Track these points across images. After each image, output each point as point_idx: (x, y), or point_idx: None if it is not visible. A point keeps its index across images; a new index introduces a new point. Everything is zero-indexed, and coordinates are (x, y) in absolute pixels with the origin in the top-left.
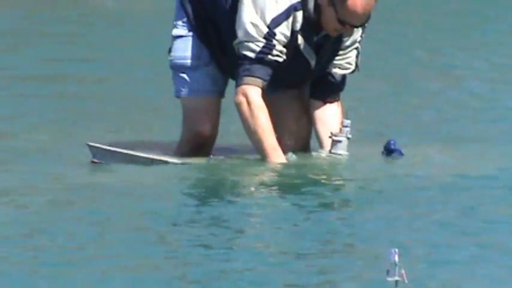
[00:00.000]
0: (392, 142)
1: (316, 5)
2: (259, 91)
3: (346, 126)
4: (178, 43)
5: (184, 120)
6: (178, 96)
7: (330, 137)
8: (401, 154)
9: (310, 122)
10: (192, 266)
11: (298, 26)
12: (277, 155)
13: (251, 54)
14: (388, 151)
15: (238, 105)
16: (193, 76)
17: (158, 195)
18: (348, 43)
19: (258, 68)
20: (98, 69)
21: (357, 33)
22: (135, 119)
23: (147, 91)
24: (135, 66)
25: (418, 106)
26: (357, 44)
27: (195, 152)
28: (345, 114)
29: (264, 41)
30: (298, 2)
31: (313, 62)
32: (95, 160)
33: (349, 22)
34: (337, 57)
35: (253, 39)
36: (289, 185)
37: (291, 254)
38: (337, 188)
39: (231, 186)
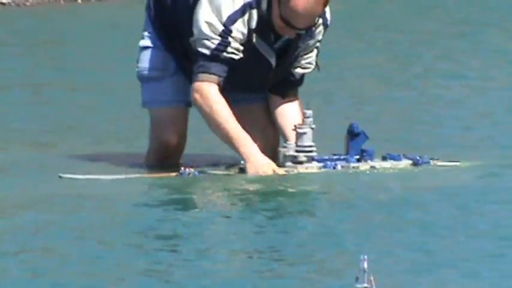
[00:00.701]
0: (355, 125)
1: (269, 4)
2: (215, 87)
3: (308, 117)
4: (144, 54)
5: (151, 130)
6: (145, 107)
7: (294, 129)
8: (366, 137)
9: (277, 132)
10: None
11: (253, 24)
12: (245, 138)
13: (206, 51)
14: (352, 135)
15: (195, 102)
16: (159, 87)
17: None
18: (310, 43)
19: (213, 65)
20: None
21: (319, 35)
22: (106, 129)
23: (117, 101)
24: (110, 75)
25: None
26: (317, 44)
27: (162, 162)
28: (307, 105)
29: (219, 38)
30: (254, 0)
31: (273, 61)
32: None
33: (291, 21)
34: (299, 58)
35: (207, 37)
36: (252, 197)
37: (259, 263)
38: (315, 199)
39: (197, 199)
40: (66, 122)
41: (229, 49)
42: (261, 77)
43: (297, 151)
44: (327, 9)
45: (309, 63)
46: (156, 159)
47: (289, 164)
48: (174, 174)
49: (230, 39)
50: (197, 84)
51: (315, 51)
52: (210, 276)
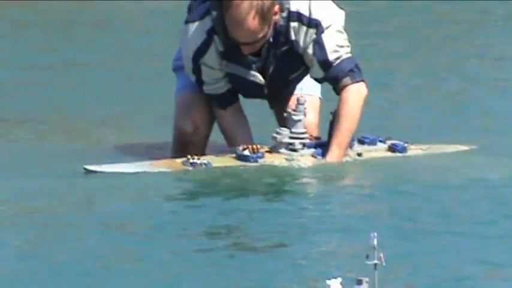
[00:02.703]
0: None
1: (225, 26)
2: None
3: (302, 104)
4: (180, 47)
5: (174, 118)
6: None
7: (286, 115)
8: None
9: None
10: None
11: (220, 49)
12: None
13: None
14: None
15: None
16: (183, 75)
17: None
18: (300, 46)
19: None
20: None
21: (301, 35)
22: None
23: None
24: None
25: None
26: (308, 49)
27: (182, 151)
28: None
29: (194, 76)
30: (212, 26)
31: (257, 79)
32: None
33: (233, 36)
34: (308, 60)
35: (188, 73)
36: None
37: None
38: (342, 187)
39: (224, 190)
40: (103, 111)
41: (205, 87)
42: (258, 92)
43: (291, 138)
44: (312, 6)
45: (312, 65)
46: (176, 149)
47: (283, 150)
48: (180, 163)
49: (202, 76)
50: None
51: (309, 55)
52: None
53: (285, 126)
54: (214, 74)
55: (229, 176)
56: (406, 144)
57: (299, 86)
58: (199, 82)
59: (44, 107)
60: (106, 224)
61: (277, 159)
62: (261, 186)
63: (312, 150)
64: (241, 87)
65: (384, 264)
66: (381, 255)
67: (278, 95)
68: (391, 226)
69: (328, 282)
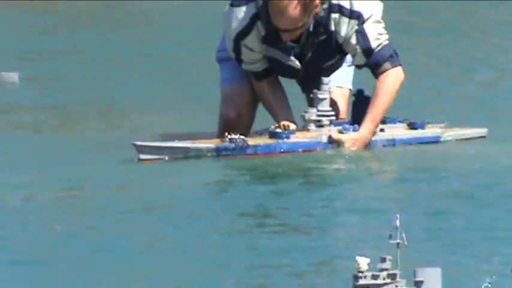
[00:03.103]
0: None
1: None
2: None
3: (326, 84)
4: (222, 38)
5: (220, 108)
6: (220, 86)
7: (313, 95)
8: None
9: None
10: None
11: (262, 34)
12: None
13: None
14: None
15: None
16: (226, 66)
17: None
18: (341, 35)
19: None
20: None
21: (342, 26)
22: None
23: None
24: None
25: None
26: (351, 39)
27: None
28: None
29: (233, 54)
30: (257, 11)
31: (293, 63)
32: (142, 157)
33: (274, 23)
34: (351, 49)
35: (228, 50)
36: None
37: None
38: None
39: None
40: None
41: (243, 65)
42: (293, 75)
43: (318, 115)
44: (350, 1)
45: (354, 54)
46: (220, 136)
47: (312, 127)
48: (219, 140)
49: (241, 55)
50: None
51: (353, 44)
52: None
53: (313, 106)
54: (253, 55)
55: (268, 164)
56: (425, 123)
57: (331, 77)
58: (238, 60)
59: (95, 98)
60: (150, 207)
61: (306, 134)
62: (297, 172)
63: (339, 127)
64: (278, 70)
65: (406, 243)
66: (403, 235)
67: (311, 81)
68: (414, 208)
69: (357, 258)
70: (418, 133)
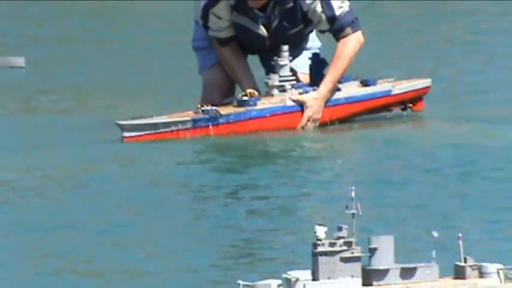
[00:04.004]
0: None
1: None
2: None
3: (286, 51)
4: (195, 27)
5: (202, 93)
6: (199, 74)
7: (273, 62)
8: (326, 63)
9: None
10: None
11: (232, 2)
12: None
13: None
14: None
15: None
16: (203, 54)
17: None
18: (305, 9)
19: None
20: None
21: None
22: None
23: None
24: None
25: None
26: (316, 7)
27: None
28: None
29: (201, 21)
30: None
31: (261, 31)
32: (126, 135)
33: None
34: (314, 16)
35: (197, 19)
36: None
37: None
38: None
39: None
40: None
41: (209, 32)
42: (260, 43)
43: (280, 81)
44: None
45: (319, 21)
46: None
47: (275, 92)
48: (193, 112)
49: (209, 22)
50: None
51: (317, 13)
52: None
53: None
54: (220, 23)
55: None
56: (376, 79)
57: (293, 63)
58: (205, 27)
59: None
60: (151, 181)
61: (271, 99)
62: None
63: (300, 89)
64: (245, 39)
65: (361, 213)
66: (358, 205)
67: (273, 54)
68: (368, 181)
69: (316, 227)
70: (370, 89)
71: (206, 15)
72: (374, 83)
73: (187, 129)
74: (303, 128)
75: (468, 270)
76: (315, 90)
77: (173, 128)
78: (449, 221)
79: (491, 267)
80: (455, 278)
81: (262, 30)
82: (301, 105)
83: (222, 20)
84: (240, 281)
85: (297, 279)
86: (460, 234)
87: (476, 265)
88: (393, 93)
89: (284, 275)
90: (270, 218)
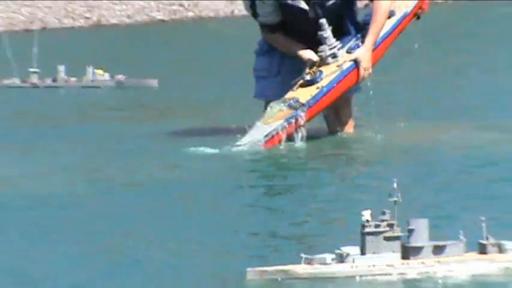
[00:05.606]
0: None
1: None
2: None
3: (324, 24)
4: (256, 58)
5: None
6: (255, 97)
7: (318, 37)
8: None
9: None
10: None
11: None
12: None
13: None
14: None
15: None
16: (265, 84)
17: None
18: None
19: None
20: None
21: None
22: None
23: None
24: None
25: None
26: None
27: None
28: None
29: (250, 10)
30: None
31: (303, 5)
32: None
33: None
34: None
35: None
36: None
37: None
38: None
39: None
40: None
41: (259, 19)
42: (303, 17)
43: (330, 49)
44: None
45: None
46: None
47: (330, 60)
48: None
49: (257, 8)
50: None
51: None
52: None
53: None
54: (266, 7)
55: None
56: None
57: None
58: (254, 15)
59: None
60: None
61: (331, 69)
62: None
63: (345, 48)
64: (290, 15)
65: (401, 200)
66: (399, 194)
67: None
68: (408, 173)
69: (362, 212)
70: (393, 19)
71: (253, 2)
72: (394, 14)
73: (284, 128)
74: (362, 79)
75: (489, 247)
76: (358, 46)
77: (274, 132)
78: (474, 207)
79: (509, 244)
80: (479, 253)
81: (303, 3)
82: (355, 62)
83: (266, 3)
84: (302, 254)
85: (348, 254)
86: (483, 218)
87: (496, 243)
88: (408, 11)
89: (337, 250)
90: (327, 206)
